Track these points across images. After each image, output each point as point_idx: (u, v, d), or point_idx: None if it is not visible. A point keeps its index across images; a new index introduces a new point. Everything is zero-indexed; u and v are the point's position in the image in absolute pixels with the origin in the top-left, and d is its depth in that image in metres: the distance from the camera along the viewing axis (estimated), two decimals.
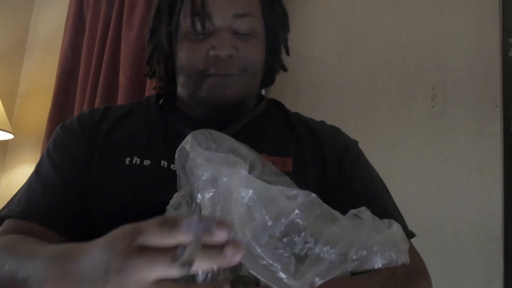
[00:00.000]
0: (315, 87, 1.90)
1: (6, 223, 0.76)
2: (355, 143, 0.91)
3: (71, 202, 0.77)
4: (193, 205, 0.55)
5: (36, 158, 2.54)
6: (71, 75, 2.50)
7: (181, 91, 0.87)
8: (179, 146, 0.59)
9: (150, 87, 2.11)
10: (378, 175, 0.89)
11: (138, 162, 0.78)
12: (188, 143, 0.57)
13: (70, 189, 0.78)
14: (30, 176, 0.82)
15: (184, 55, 0.81)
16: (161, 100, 0.90)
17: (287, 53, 0.93)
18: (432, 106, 1.66)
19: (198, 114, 0.84)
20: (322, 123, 0.94)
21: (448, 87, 1.65)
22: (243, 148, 0.61)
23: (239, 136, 0.70)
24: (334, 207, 0.59)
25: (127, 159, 0.79)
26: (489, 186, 1.53)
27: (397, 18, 1.79)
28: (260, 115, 0.89)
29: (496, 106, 1.57)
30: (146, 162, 0.79)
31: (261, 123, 0.88)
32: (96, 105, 2.30)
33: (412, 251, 0.72)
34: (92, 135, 0.82)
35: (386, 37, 1.80)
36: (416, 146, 1.67)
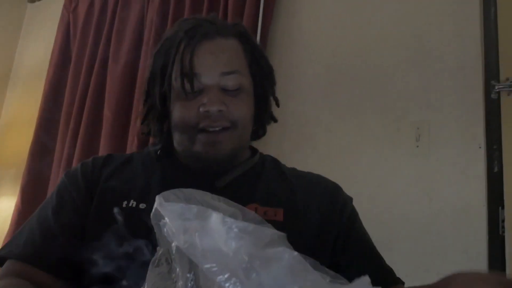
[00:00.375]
0: (301, 125, 1.90)
1: (7, 264, 0.83)
2: (351, 199, 0.95)
3: (66, 246, 0.81)
4: (172, 263, 0.55)
5: (15, 190, 2.48)
6: (54, 107, 2.48)
7: (177, 146, 0.91)
8: (153, 208, 0.61)
9: (134, 124, 2.10)
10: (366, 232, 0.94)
11: (134, 205, 0.83)
12: (159, 204, 0.59)
13: (67, 234, 0.83)
14: (33, 216, 0.89)
15: (177, 113, 0.86)
16: (158, 151, 0.94)
17: (277, 105, 0.99)
18: (417, 146, 1.67)
19: (194, 165, 0.89)
20: (320, 177, 0.97)
21: (432, 128, 1.67)
22: (220, 203, 0.62)
23: (232, 186, 0.79)
24: (330, 257, 0.66)
25: (124, 202, 0.83)
26: (474, 227, 1.53)
27: (382, 58, 1.82)
28: (254, 167, 0.94)
29: (480, 147, 1.58)
30: (142, 206, 0.83)
31: (254, 174, 0.92)
32: (80, 138, 2.27)
33: None
34: (93, 182, 0.88)
35: (372, 77, 1.83)
36: (402, 186, 1.67)
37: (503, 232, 1.51)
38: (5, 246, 0.85)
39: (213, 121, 0.83)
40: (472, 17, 1.68)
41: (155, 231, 0.62)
